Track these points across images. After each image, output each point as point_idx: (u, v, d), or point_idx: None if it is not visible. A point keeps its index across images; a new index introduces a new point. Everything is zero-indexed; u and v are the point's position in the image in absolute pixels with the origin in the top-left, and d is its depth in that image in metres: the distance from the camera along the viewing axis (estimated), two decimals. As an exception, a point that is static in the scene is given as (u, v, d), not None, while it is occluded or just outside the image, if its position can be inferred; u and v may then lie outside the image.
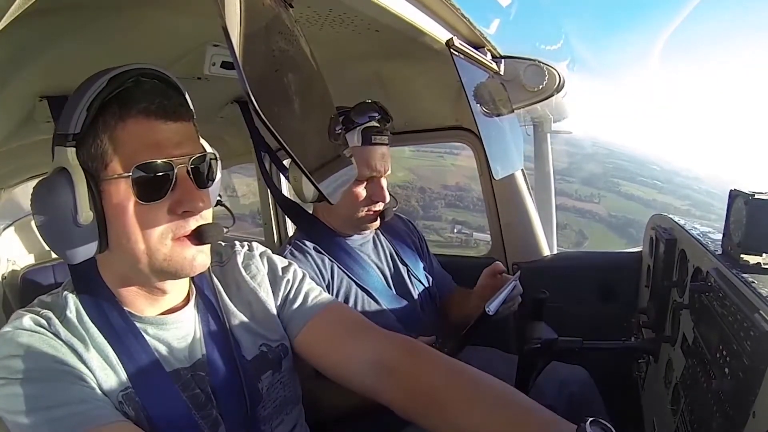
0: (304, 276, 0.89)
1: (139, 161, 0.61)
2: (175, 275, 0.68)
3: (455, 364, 0.73)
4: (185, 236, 0.66)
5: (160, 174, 0.62)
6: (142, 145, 0.62)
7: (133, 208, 0.62)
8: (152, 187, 0.62)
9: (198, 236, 0.66)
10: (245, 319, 0.79)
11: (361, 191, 1.15)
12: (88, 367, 0.62)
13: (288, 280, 0.85)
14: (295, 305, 0.83)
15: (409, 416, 0.72)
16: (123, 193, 0.62)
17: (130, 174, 0.61)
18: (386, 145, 1.16)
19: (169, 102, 0.64)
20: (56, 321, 0.64)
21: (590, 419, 0.53)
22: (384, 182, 1.19)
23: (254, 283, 0.82)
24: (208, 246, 0.69)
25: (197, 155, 0.66)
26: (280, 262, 0.88)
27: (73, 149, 0.62)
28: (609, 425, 0.53)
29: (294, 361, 0.84)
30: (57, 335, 0.63)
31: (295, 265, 0.90)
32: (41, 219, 0.62)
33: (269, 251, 0.90)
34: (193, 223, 0.66)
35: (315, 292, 0.86)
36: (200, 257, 0.68)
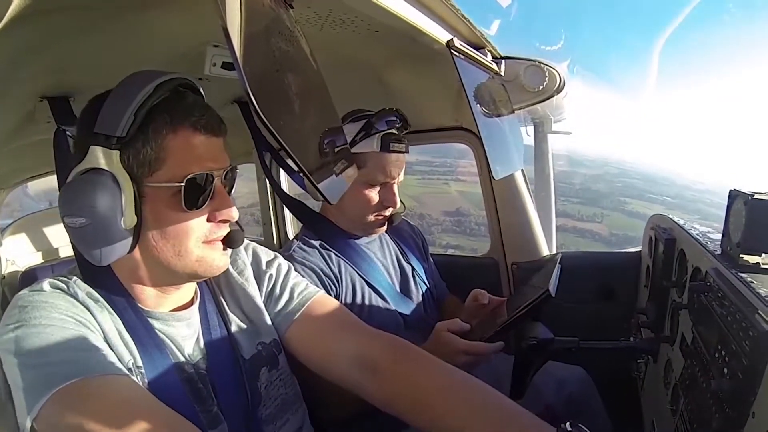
0: (289, 269, 0.89)
1: (189, 172, 0.65)
2: (203, 275, 0.72)
3: (439, 365, 0.73)
4: (218, 240, 0.71)
5: (205, 185, 0.67)
6: (190, 156, 0.66)
7: (174, 214, 0.66)
8: (197, 196, 0.66)
9: (229, 242, 0.72)
10: (240, 317, 0.80)
11: (374, 196, 1.16)
12: (101, 328, 0.64)
13: (271, 275, 0.86)
14: (281, 302, 0.84)
15: (392, 412, 0.73)
16: (166, 199, 0.65)
17: (182, 184, 0.64)
18: (403, 152, 1.17)
19: (213, 118, 0.68)
20: (74, 285, 0.66)
21: (569, 422, 0.53)
22: (396, 188, 1.19)
23: (242, 278, 0.83)
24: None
25: (229, 168, 0.72)
26: (264, 255, 0.89)
27: (118, 152, 0.63)
28: (587, 429, 0.53)
29: (292, 358, 0.84)
30: (75, 296, 0.65)
31: (280, 258, 0.90)
32: (81, 221, 0.61)
33: (255, 244, 0.90)
34: (225, 229, 0.72)
35: (300, 287, 0.86)
36: (225, 259, 0.73)
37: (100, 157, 0.63)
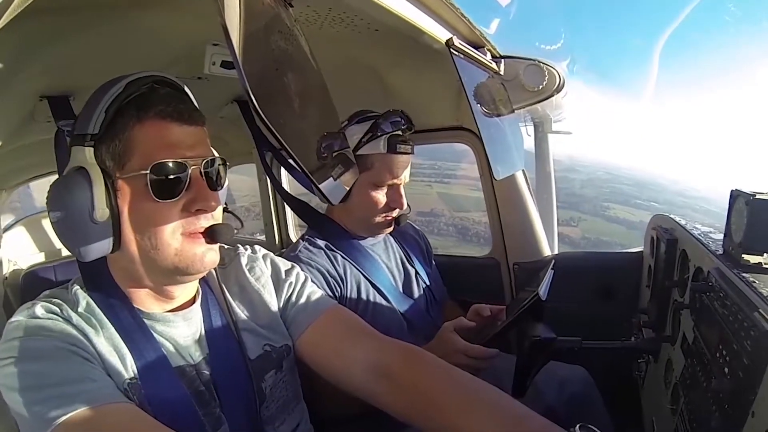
0: (306, 279, 0.90)
1: (156, 160, 0.64)
2: (186, 271, 0.69)
3: (451, 370, 0.73)
4: (198, 233, 0.68)
5: (176, 173, 0.65)
6: (159, 145, 0.65)
7: (147, 205, 0.65)
8: (168, 185, 0.65)
9: (211, 235, 0.69)
10: (249, 319, 0.80)
11: (381, 197, 1.17)
12: (97, 351, 0.64)
13: (291, 283, 0.86)
14: (297, 308, 0.84)
15: (405, 419, 0.72)
16: (139, 190, 0.65)
17: (148, 172, 0.63)
18: (410, 153, 1.18)
19: (184, 106, 0.67)
20: (68, 308, 0.66)
21: (579, 425, 0.53)
22: (402, 189, 1.20)
23: (258, 284, 0.83)
24: (218, 245, 0.71)
25: (209, 158, 0.69)
26: (283, 264, 0.89)
27: (91, 149, 0.64)
28: (597, 430, 0.53)
29: (296, 360, 0.85)
30: (69, 320, 0.64)
31: (297, 268, 0.91)
32: (57, 215, 0.63)
33: (272, 254, 0.91)
34: (204, 221, 0.69)
35: (317, 295, 0.87)
36: (210, 254, 0.70)
37: (77, 155, 0.65)
